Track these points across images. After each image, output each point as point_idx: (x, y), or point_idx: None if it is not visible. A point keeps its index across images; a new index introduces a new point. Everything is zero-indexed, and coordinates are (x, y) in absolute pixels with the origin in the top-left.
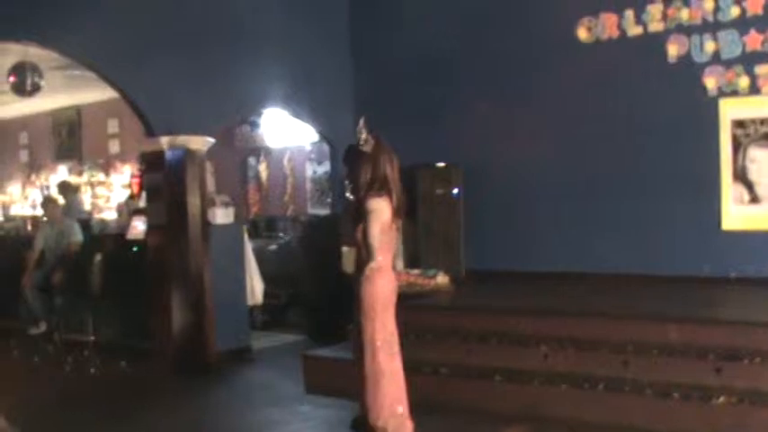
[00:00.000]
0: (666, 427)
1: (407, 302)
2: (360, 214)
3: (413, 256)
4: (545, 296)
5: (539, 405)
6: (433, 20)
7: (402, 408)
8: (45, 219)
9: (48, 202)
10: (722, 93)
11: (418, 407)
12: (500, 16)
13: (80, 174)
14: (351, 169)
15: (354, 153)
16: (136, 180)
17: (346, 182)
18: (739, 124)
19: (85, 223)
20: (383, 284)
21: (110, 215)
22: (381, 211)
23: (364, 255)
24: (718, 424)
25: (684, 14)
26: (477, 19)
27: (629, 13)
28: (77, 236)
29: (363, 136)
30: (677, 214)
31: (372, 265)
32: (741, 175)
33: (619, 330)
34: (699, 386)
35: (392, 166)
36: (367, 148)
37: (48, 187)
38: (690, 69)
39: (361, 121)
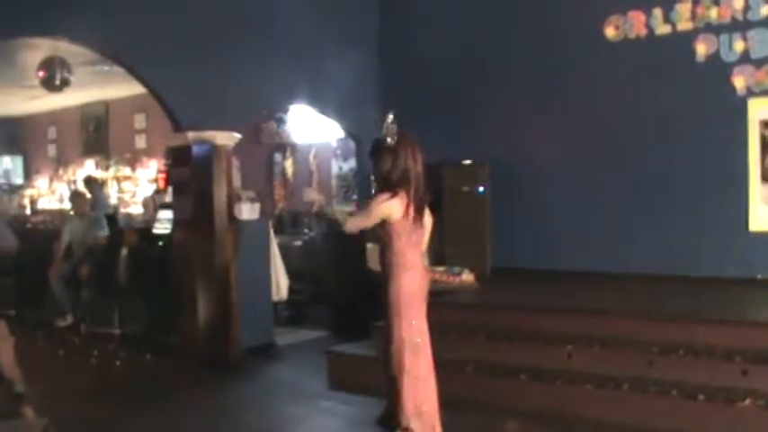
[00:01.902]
0: (691, 429)
1: (432, 300)
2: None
3: (438, 253)
4: (570, 295)
5: (563, 404)
6: (461, 17)
7: (426, 408)
8: (72, 212)
9: (76, 195)
10: (751, 92)
11: (444, 404)
12: (528, 14)
13: (107, 168)
14: (375, 163)
15: (378, 147)
16: (162, 175)
17: (372, 177)
18: None
19: (112, 217)
20: (409, 281)
21: (136, 210)
22: (377, 208)
23: (387, 251)
24: (744, 427)
25: (714, 13)
26: (504, 16)
27: (658, 12)
28: (104, 229)
29: (388, 130)
30: (704, 214)
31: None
32: None
33: (644, 330)
34: (724, 388)
35: (415, 160)
36: (390, 142)
37: (75, 182)
38: (718, 69)
39: (390, 116)
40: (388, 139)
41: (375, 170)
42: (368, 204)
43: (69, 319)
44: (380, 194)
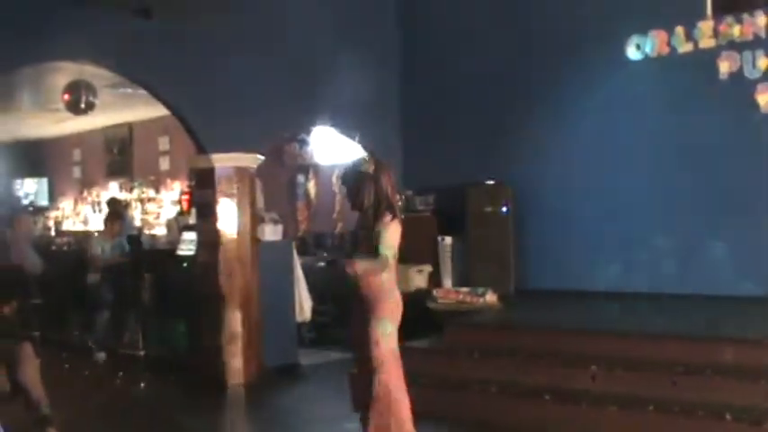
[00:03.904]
0: None
1: (457, 320)
2: (368, 232)
3: (462, 274)
4: (594, 315)
5: (588, 426)
6: (483, 37)
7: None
8: (98, 233)
9: (113, 217)
10: None
11: (467, 425)
12: (550, 35)
13: (131, 190)
14: (350, 189)
15: (357, 176)
16: (186, 197)
17: (348, 201)
18: None
19: (136, 239)
20: (398, 299)
21: (160, 231)
22: (397, 236)
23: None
24: None
25: (736, 31)
26: (526, 36)
27: (680, 30)
28: (124, 250)
29: (364, 157)
30: (728, 232)
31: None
32: None
33: (669, 350)
34: (751, 408)
35: (392, 185)
36: (368, 168)
37: (99, 203)
38: (742, 86)
39: (357, 137)
40: (367, 168)
41: (356, 199)
42: (384, 236)
43: (104, 356)
44: (383, 219)
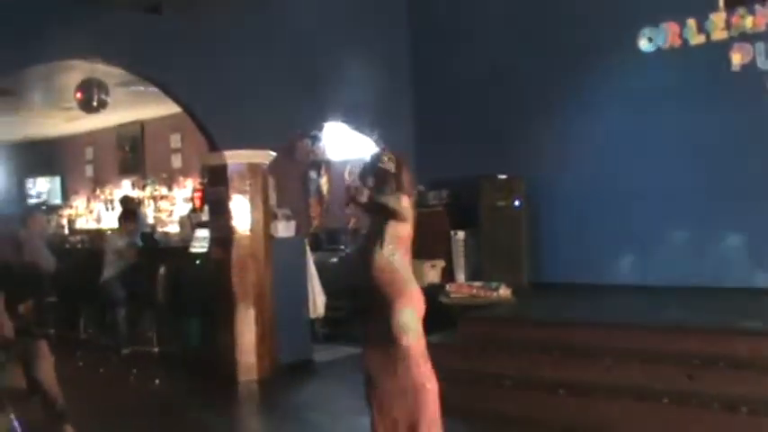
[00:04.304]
0: None
1: (470, 314)
2: (382, 227)
3: (475, 268)
4: (608, 308)
5: (603, 418)
6: (494, 33)
7: None
8: (112, 231)
9: (127, 215)
10: None
11: (481, 418)
12: (560, 28)
13: (143, 188)
14: (373, 186)
15: (380, 172)
16: (198, 194)
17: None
18: None
19: (150, 236)
20: (419, 291)
21: (173, 228)
22: (409, 212)
23: (393, 266)
24: None
25: (749, 22)
26: (537, 30)
27: (692, 22)
28: (139, 247)
29: (385, 153)
30: (743, 224)
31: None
32: None
33: (684, 343)
34: (767, 401)
35: (409, 180)
36: (390, 167)
37: (112, 201)
38: (755, 77)
39: (375, 135)
40: (388, 164)
41: (379, 193)
42: (401, 204)
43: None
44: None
